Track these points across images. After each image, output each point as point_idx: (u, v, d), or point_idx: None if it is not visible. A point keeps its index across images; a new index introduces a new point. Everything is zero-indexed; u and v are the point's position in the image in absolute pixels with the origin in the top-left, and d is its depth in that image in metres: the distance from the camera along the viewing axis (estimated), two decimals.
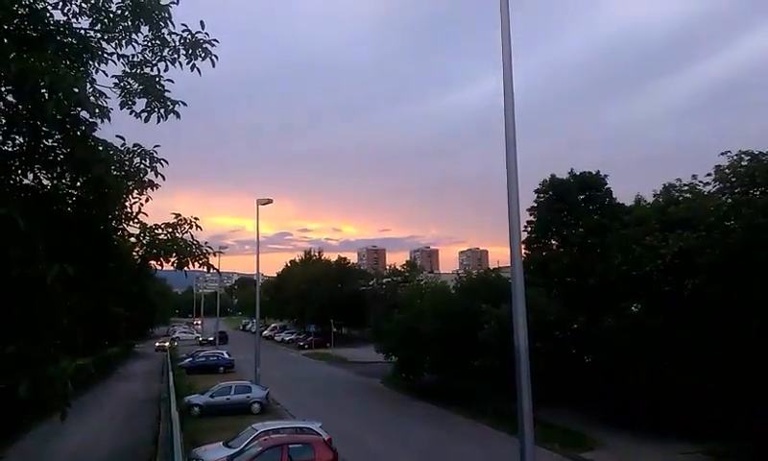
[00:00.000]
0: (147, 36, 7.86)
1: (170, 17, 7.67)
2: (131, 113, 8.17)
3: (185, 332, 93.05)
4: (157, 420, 26.64)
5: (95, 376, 38.18)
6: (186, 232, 8.04)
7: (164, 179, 7.88)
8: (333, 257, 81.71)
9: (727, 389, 20.38)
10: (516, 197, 9.42)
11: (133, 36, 7.81)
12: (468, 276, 38.22)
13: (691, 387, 21.20)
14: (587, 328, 26.27)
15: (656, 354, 22.18)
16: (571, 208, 30.59)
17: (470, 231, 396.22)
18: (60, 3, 7.42)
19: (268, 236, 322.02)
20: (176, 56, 7.98)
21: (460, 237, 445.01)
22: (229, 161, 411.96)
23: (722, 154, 22.50)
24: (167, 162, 7.85)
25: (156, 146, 7.87)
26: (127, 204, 7.83)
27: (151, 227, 7.97)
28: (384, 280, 62.56)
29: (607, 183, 31.12)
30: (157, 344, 69.88)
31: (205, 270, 8.24)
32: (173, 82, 8.14)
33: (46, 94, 5.93)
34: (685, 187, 25.18)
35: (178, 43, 7.88)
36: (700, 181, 24.28)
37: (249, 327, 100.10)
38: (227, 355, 49.24)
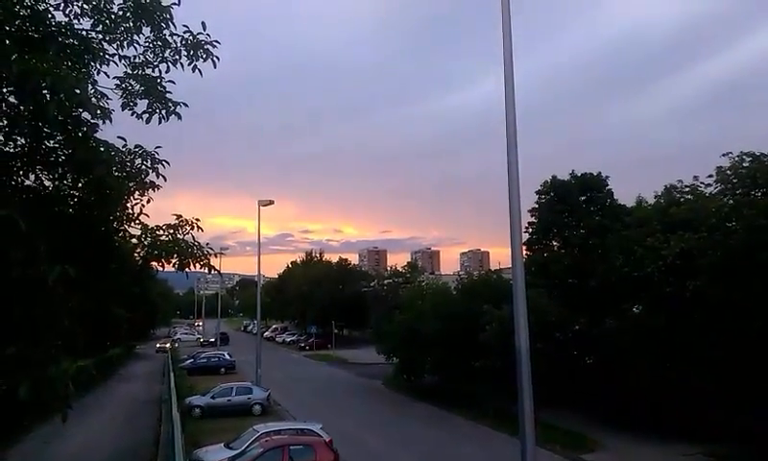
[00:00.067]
0: (148, 37, 7.86)
1: (171, 18, 7.67)
2: (132, 114, 8.18)
3: (186, 334, 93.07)
4: (158, 421, 26.63)
5: (96, 378, 38.21)
6: (187, 234, 8.04)
7: (165, 180, 7.88)
8: (334, 258, 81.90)
9: (728, 390, 20.36)
10: (518, 198, 9.41)
11: (135, 37, 7.81)
12: (470, 277, 38.19)
13: (692, 388, 21.18)
14: (588, 330, 26.24)
15: (657, 355, 22.15)
16: (572, 210, 30.58)
17: (471, 233, 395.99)
18: (62, 4, 7.42)
19: (269, 237, 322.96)
20: (177, 57, 7.98)
21: (461, 238, 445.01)
22: (230, 162, 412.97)
23: (723, 155, 22.54)
24: (168, 163, 7.85)
25: (157, 147, 7.87)
26: (128, 205, 7.83)
27: (152, 228, 7.97)
28: (385, 282, 62.53)
29: (608, 185, 31.12)
30: (158, 345, 69.90)
31: (207, 271, 8.22)
32: (174, 83, 8.15)
33: (48, 95, 5.93)
34: (687, 188, 25.17)
35: (179, 44, 7.88)
36: (701, 183, 24.28)
37: (250, 328, 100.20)
38: (228, 357, 49.22)
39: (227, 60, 8.59)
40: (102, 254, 7.43)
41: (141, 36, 7.82)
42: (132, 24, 7.65)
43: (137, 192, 7.88)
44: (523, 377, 8.82)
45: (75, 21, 7.53)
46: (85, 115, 6.66)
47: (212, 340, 74.49)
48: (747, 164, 21.76)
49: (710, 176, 23.40)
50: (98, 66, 7.74)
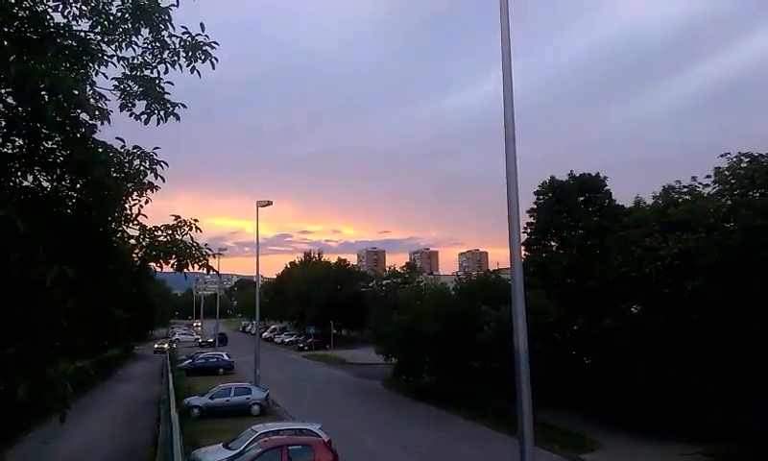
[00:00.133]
0: (147, 38, 7.87)
1: (170, 20, 7.68)
2: (130, 115, 8.18)
3: (185, 334, 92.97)
4: (157, 421, 26.61)
5: (94, 378, 38.18)
6: (186, 234, 8.03)
7: (164, 180, 7.88)
8: (333, 259, 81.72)
9: (726, 390, 20.40)
10: (516, 198, 9.44)
11: (133, 38, 7.81)
12: (468, 277, 38.18)
13: (691, 388, 21.23)
14: (586, 330, 26.28)
15: (655, 356, 22.19)
16: (571, 210, 30.63)
17: (470, 233, 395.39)
18: (61, 5, 7.43)
19: (268, 238, 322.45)
20: (176, 58, 7.98)
21: (460, 239, 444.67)
22: (229, 163, 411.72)
23: (722, 155, 22.59)
24: (167, 164, 7.85)
25: (155, 148, 7.87)
26: (126, 205, 7.82)
27: (150, 228, 7.96)
28: (384, 282, 62.61)
29: (606, 185, 31.19)
30: (157, 346, 69.86)
31: (205, 272, 8.20)
32: (173, 84, 8.16)
33: (46, 96, 5.94)
34: (685, 189, 25.22)
35: (178, 46, 7.88)
36: (699, 183, 24.34)
37: (248, 328, 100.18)
38: (226, 357, 49.23)
39: (226, 60, 8.60)
40: (100, 254, 7.43)
41: (140, 37, 7.83)
42: (130, 25, 7.65)
43: (136, 193, 7.88)
44: (522, 378, 8.84)
45: (73, 22, 7.54)
46: (84, 116, 6.67)
47: (211, 340, 74.41)
48: (745, 165, 21.82)
49: (709, 176, 23.48)
50: (96, 67, 7.76)
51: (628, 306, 25.23)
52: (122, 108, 8.11)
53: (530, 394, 8.83)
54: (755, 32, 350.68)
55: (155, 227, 8.01)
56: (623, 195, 42.52)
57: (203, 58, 7.94)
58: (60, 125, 6.36)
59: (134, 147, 7.80)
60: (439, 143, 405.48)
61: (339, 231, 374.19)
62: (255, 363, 34.42)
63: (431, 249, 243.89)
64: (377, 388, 39.08)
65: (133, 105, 8.15)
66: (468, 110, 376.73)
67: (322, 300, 66.73)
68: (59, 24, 7.33)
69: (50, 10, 7.29)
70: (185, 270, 7.96)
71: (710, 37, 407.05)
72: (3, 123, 6.64)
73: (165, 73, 8.06)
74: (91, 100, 7.06)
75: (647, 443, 21.97)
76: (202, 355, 50.68)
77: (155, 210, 8.11)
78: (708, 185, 23.80)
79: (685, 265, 21.16)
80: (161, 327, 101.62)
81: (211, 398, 29.44)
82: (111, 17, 7.61)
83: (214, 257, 8.54)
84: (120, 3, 7.54)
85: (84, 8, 7.54)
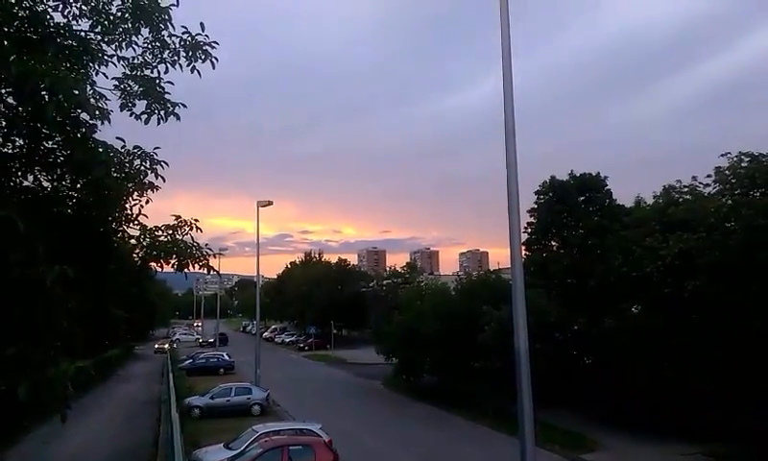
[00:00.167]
0: (147, 38, 7.86)
1: (170, 19, 7.67)
2: (131, 115, 8.17)
3: (185, 334, 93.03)
4: (158, 421, 26.61)
5: (95, 378, 38.20)
6: (186, 234, 8.02)
7: (164, 180, 7.87)
8: (333, 259, 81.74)
9: (727, 390, 20.40)
10: (517, 198, 9.43)
11: (133, 38, 7.81)
12: (469, 277, 38.18)
13: (691, 388, 21.22)
14: (587, 330, 26.28)
15: (656, 355, 22.19)
16: (571, 210, 30.64)
17: (471, 233, 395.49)
18: (61, 5, 7.42)
19: (268, 238, 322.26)
20: (176, 58, 7.97)
21: (460, 239, 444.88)
22: (230, 163, 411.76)
23: (722, 155, 22.60)
24: (167, 164, 7.84)
25: (156, 148, 7.86)
26: (127, 205, 7.82)
27: (151, 228, 7.96)
28: (384, 282, 62.56)
29: (607, 185, 31.21)
30: (157, 346, 69.87)
31: (206, 272, 8.19)
32: (173, 83, 8.15)
33: (46, 96, 5.93)
34: (685, 189, 25.20)
35: (178, 45, 7.87)
36: (700, 183, 24.34)
37: (249, 328, 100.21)
38: (227, 357, 49.25)
39: (226, 60, 8.59)
40: (100, 254, 7.43)
41: (140, 36, 7.82)
42: (130, 25, 7.64)
43: (136, 193, 7.87)
44: (522, 378, 8.83)
45: (73, 22, 7.53)
46: (84, 116, 6.66)
47: (211, 340, 74.41)
48: (745, 165, 21.81)
49: (709, 176, 23.49)
50: (97, 67, 7.75)
51: (628, 306, 25.23)
52: (122, 107, 8.10)
53: (530, 394, 8.82)
54: (755, 31, 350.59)
55: (155, 227, 8.00)
56: (623, 195, 42.59)
57: (203, 57, 7.93)
58: (60, 125, 6.36)
59: (135, 147, 7.79)
60: (439, 143, 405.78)
61: (339, 231, 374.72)
62: (256, 363, 34.42)
63: (431, 249, 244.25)
64: (378, 388, 39.08)
65: (134, 105, 8.14)
66: (468, 110, 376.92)
67: (322, 300, 66.73)
68: (59, 24, 7.32)
69: (50, 10, 7.28)
70: (186, 270, 7.96)
71: (710, 37, 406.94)
72: (3, 123, 6.63)
73: (165, 73, 8.06)
74: (91, 100, 7.05)
75: (647, 443, 21.96)
76: (202, 355, 50.70)
77: (155, 210, 8.11)
78: (708, 185, 23.82)
79: (686, 265, 21.15)
80: (162, 327, 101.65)
81: (212, 398, 29.45)
82: (111, 17, 7.61)
83: (214, 257, 8.54)
84: (120, 3, 7.54)
85: (84, 8, 7.53)
